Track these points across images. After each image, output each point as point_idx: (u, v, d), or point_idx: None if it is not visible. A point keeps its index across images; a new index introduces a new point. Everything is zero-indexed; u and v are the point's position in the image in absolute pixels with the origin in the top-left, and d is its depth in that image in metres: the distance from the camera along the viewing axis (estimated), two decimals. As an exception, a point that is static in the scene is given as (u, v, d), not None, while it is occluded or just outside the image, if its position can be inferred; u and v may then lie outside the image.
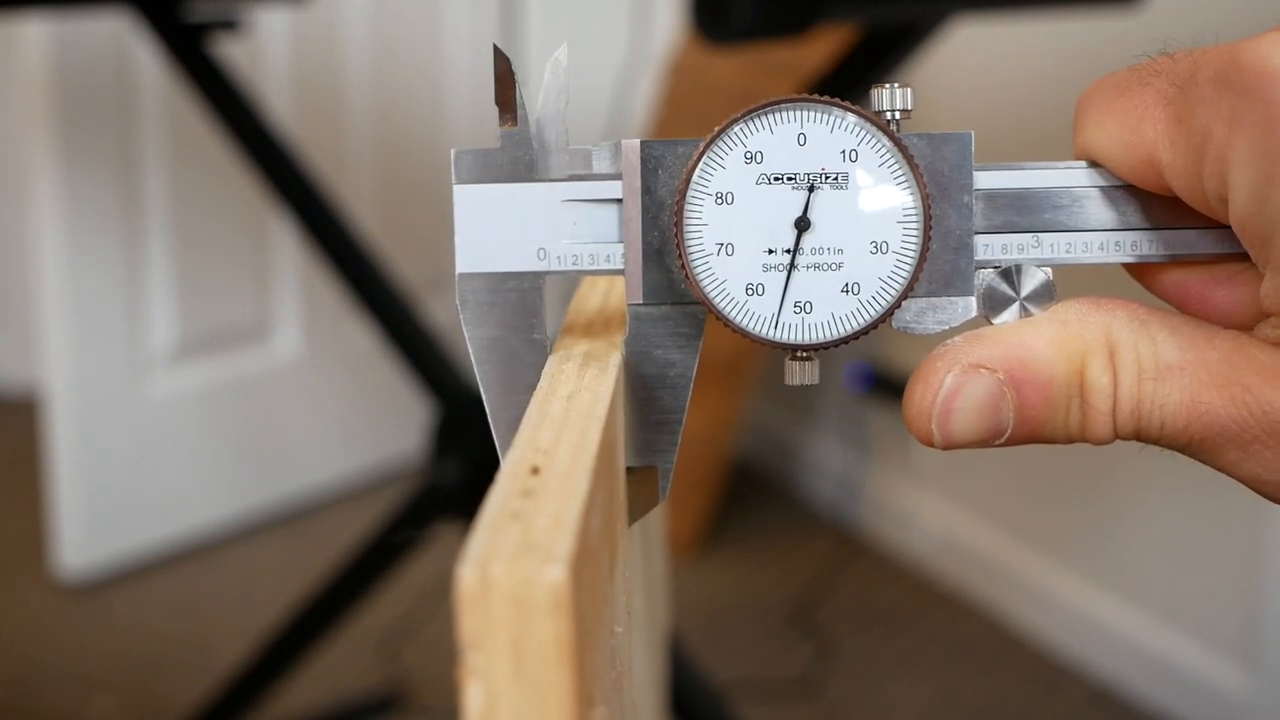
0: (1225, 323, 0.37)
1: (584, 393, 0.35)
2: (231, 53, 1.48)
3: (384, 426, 2.51)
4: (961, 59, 1.84)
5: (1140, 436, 0.36)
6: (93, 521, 2.17)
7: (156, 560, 2.23)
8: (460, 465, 1.37)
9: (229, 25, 1.47)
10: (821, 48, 1.64)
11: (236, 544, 2.31)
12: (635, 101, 2.48)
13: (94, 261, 2.09)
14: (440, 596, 2.00)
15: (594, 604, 0.29)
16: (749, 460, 2.57)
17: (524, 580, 0.25)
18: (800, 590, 2.17)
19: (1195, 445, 0.36)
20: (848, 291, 0.37)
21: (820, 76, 1.29)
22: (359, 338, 2.36)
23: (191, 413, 2.29)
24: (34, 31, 1.98)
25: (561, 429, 0.32)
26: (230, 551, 2.29)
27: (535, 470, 0.30)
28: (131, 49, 2.05)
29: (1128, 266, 0.39)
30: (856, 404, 2.34)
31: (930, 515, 2.24)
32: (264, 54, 2.23)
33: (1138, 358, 0.36)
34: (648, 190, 0.38)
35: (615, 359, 0.38)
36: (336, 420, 2.50)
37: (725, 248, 0.37)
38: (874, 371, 2.22)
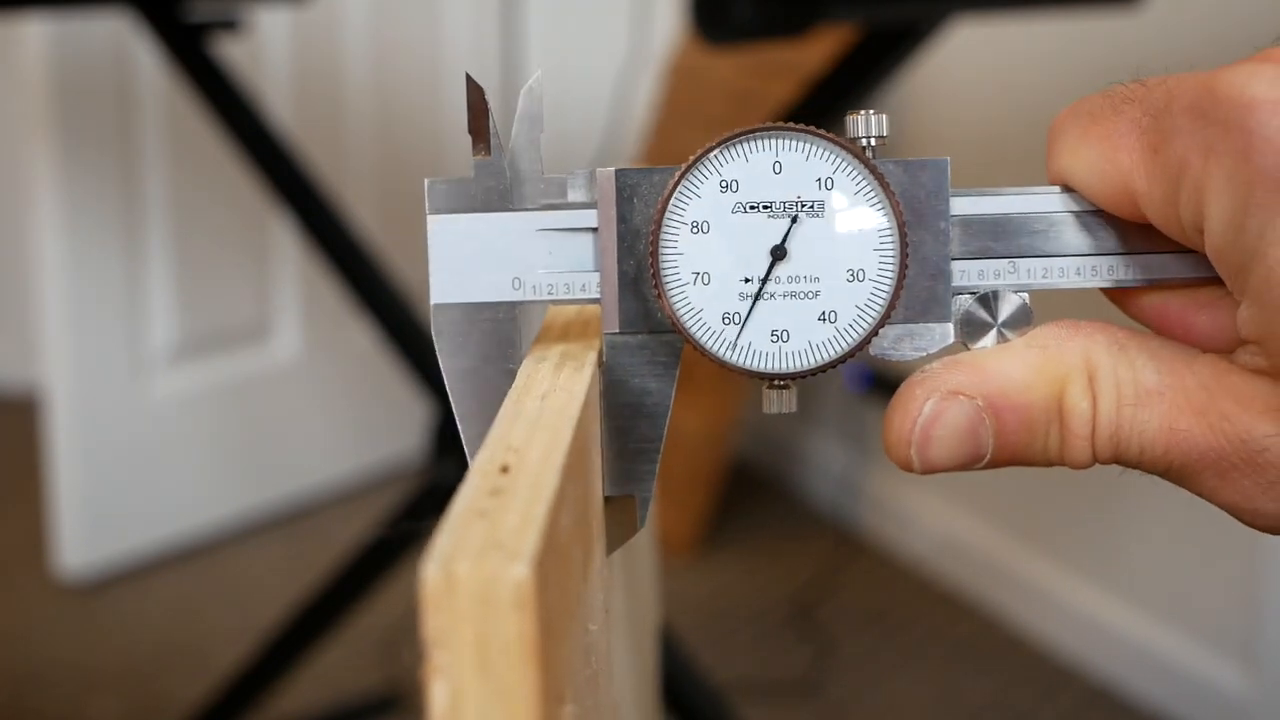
0: (1207, 347, 0.37)
1: (558, 392, 0.35)
2: (231, 53, 1.48)
3: (384, 426, 2.51)
4: (961, 59, 1.84)
5: (1119, 461, 0.37)
6: (93, 521, 2.17)
7: (156, 560, 2.23)
8: (460, 465, 1.37)
9: (229, 25, 1.47)
10: (821, 48, 1.64)
11: (236, 544, 2.31)
12: (635, 101, 2.48)
13: (94, 261, 2.09)
14: (440, 596, 1.99)
15: (563, 602, 0.29)
16: (749, 460, 2.57)
17: (488, 578, 0.25)
18: (800, 590, 2.17)
19: (1174, 471, 0.36)
20: (824, 319, 0.37)
21: (820, 76, 1.29)
22: (359, 338, 2.36)
23: (191, 413, 2.29)
24: (34, 31, 1.98)
25: (534, 428, 0.32)
26: (230, 551, 2.29)
27: (505, 469, 0.30)
28: (131, 49, 2.05)
29: (1106, 291, 0.39)
30: (856, 404, 2.33)
31: (930, 515, 2.24)
32: (264, 54, 2.23)
33: (1117, 383, 0.36)
34: (623, 219, 0.38)
35: (591, 359, 0.38)
36: (336, 420, 2.50)
37: (701, 276, 0.37)
38: (873, 371, 2.22)
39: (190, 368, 2.27)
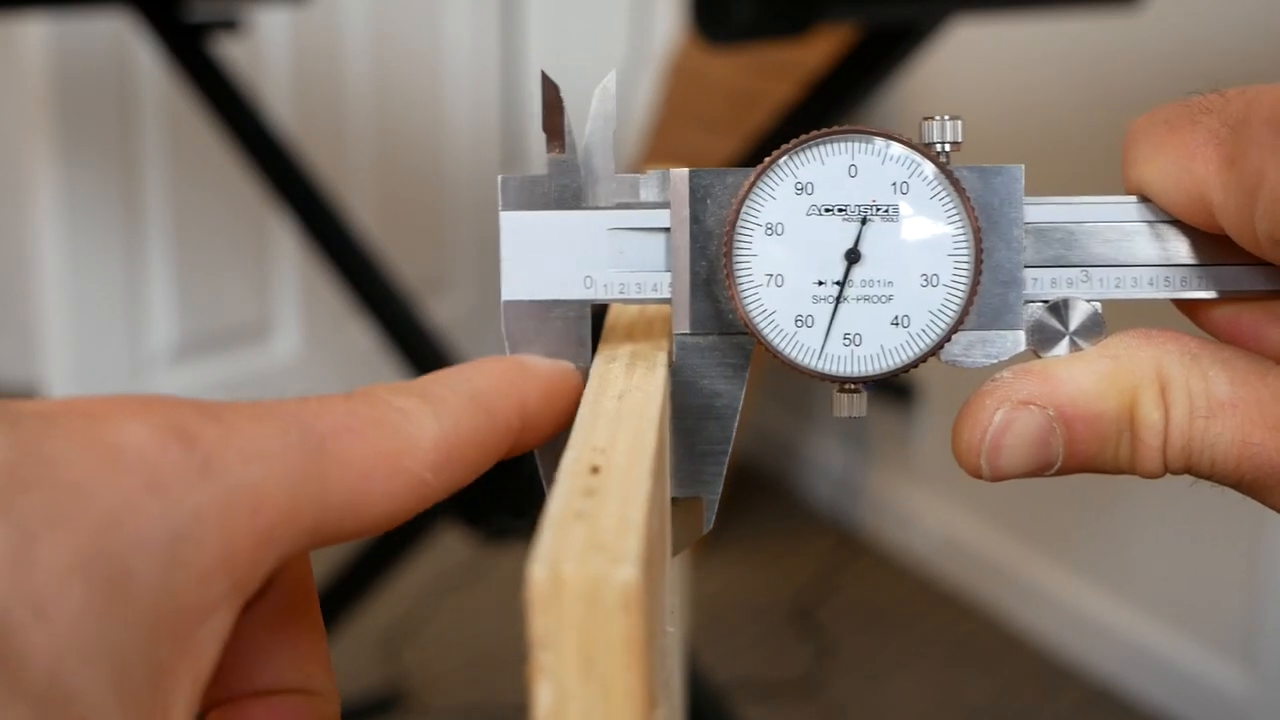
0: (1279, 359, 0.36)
1: (635, 392, 0.35)
2: (231, 53, 1.48)
3: (383, 427, 2.50)
4: (961, 59, 1.84)
5: (1191, 472, 0.36)
6: (92, 522, 2.16)
7: (155, 561, 2.22)
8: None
9: (229, 25, 1.47)
10: (821, 48, 1.64)
11: (236, 544, 2.31)
12: (635, 101, 2.48)
13: (94, 261, 2.09)
14: (440, 596, 1.99)
15: (656, 604, 0.29)
16: (749, 460, 2.57)
17: (595, 579, 0.25)
18: (800, 590, 2.18)
19: (1246, 484, 0.36)
20: (897, 324, 0.37)
21: (820, 76, 1.29)
22: (359, 338, 2.35)
23: (191, 413, 2.28)
24: (34, 31, 1.97)
25: (616, 428, 0.32)
26: (230, 552, 2.28)
27: (595, 470, 0.30)
28: (131, 49, 2.05)
29: (1178, 302, 0.39)
30: (856, 404, 2.33)
31: (930, 515, 2.24)
32: (264, 54, 2.23)
33: (1189, 394, 0.35)
34: (696, 220, 0.38)
35: (661, 359, 0.38)
36: (336, 420, 2.49)
37: (775, 279, 0.37)
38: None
39: (190, 367, 2.27)
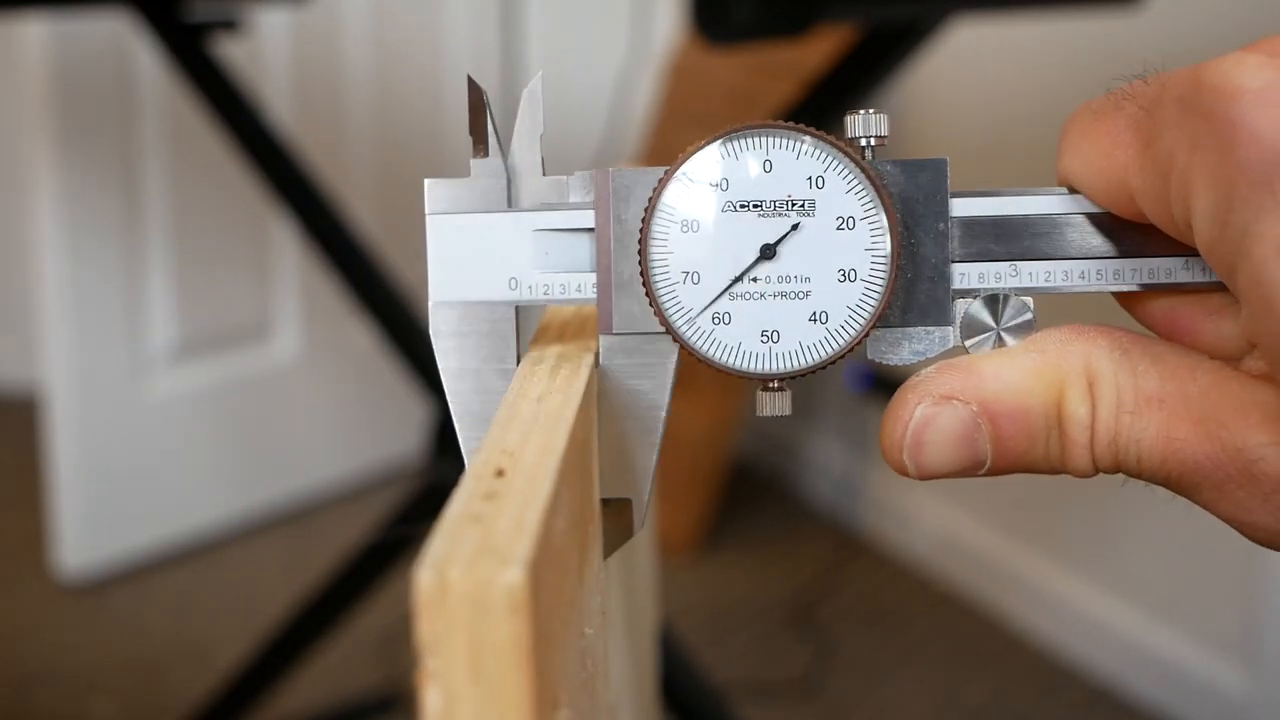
0: (1216, 354, 0.35)
1: (554, 394, 0.35)
2: (231, 53, 1.48)
3: (384, 426, 2.51)
4: (961, 59, 1.84)
5: (1121, 470, 0.36)
6: (93, 521, 2.17)
7: (156, 560, 2.23)
8: (460, 465, 1.37)
9: (229, 25, 1.47)
10: (821, 48, 1.64)
11: (236, 544, 2.31)
12: (635, 101, 2.48)
13: (94, 261, 2.09)
14: (440, 596, 1.99)
15: (558, 606, 0.29)
16: (749, 460, 2.57)
17: (481, 583, 0.25)
18: (800, 590, 2.17)
19: (1173, 481, 0.35)
20: (815, 320, 0.37)
21: (820, 76, 1.29)
22: (359, 338, 2.36)
23: (191, 413, 2.29)
24: (34, 31, 1.98)
25: (530, 431, 0.32)
26: (230, 551, 2.29)
27: (500, 472, 0.30)
28: (131, 49, 2.05)
29: (1117, 295, 0.38)
30: (856, 404, 2.33)
31: (930, 515, 2.23)
32: (264, 54, 2.23)
33: (1117, 389, 0.35)
34: (619, 219, 0.38)
35: (587, 360, 0.38)
36: (336, 420, 2.50)
37: (691, 276, 0.37)
38: (873, 371, 2.22)
39: (190, 368, 2.27)
